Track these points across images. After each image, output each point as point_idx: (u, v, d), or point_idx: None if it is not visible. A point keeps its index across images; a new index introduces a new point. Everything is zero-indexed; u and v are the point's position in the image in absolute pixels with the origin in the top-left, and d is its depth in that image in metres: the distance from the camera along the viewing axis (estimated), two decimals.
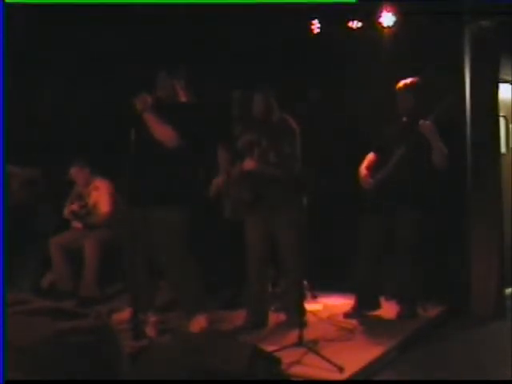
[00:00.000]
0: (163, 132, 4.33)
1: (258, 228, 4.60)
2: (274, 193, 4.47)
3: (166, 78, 4.48)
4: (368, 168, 4.84)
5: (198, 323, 4.48)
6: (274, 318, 4.72)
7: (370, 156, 4.90)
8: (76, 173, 5.80)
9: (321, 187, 4.71)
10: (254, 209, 4.56)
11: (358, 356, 3.98)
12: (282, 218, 4.50)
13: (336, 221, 5.29)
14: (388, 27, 5.03)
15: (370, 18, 5.08)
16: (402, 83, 4.70)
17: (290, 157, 4.46)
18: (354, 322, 4.71)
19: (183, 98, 4.54)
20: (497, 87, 5.09)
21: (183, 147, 4.38)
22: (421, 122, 4.49)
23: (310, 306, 4.94)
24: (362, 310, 4.86)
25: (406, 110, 4.73)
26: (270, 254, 4.64)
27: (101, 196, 5.75)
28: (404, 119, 4.77)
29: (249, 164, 4.49)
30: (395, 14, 4.97)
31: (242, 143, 4.58)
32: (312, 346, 3.99)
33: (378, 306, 4.93)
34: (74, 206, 5.79)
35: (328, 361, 3.77)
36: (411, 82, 4.68)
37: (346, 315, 4.83)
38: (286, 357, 3.76)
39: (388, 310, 4.93)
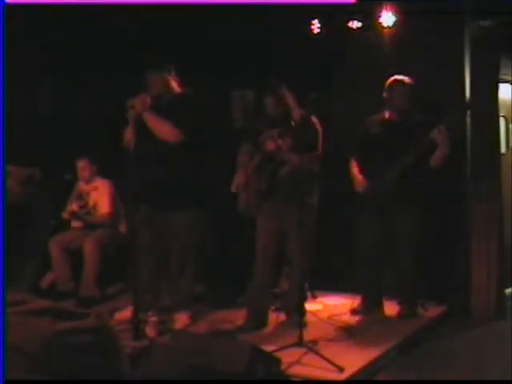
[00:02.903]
0: (165, 129, 4.34)
1: (268, 226, 4.58)
2: (289, 188, 4.43)
3: (156, 74, 4.48)
4: (361, 171, 4.84)
5: (182, 321, 4.55)
6: (274, 318, 4.72)
7: (362, 157, 4.89)
8: (83, 166, 5.77)
9: (322, 186, 4.71)
10: (268, 202, 4.53)
11: (358, 356, 3.98)
12: (294, 218, 4.37)
13: (336, 221, 5.28)
14: (388, 27, 5.02)
15: (370, 18, 5.08)
16: (394, 79, 4.72)
17: (311, 155, 4.45)
18: (354, 321, 4.72)
19: (177, 90, 4.54)
20: (497, 87, 5.09)
21: (186, 144, 4.38)
22: (436, 129, 4.47)
23: (309, 306, 4.93)
24: (369, 307, 4.87)
25: (396, 107, 4.73)
26: (277, 253, 4.64)
27: (101, 196, 5.74)
28: (387, 116, 4.76)
29: (270, 144, 4.45)
30: (395, 13, 4.97)
31: (263, 137, 4.54)
32: (312, 346, 3.99)
33: (381, 306, 4.93)
34: (74, 206, 5.78)
35: (328, 361, 3.77)
36: (403, 80, 4.70)
37: (353, 312, 4.86)
38: (286, 357, 3.76)
39: (389, 309, 4.93)
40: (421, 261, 4.80)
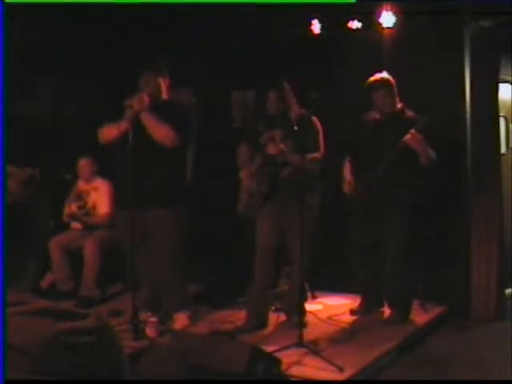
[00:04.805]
0: (162, 132, 4.34)
1: (269, 226, 4.57)
2: (290, 189, 4.42)
3: (151, 75, 4.49)
4: (351, 172, 4.82)
5: (181, 321, 4.54)
6: (274, 318, 4.71)
7: (353, 157, 4.88)
8: (84, 165, 5.77)
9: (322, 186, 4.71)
10: (268, 202, 4.53)
11: (358, 356, 3.98)
12: (294, 218, 4.32)
13: (336, 221, 5.28)
14: (388, 27, 5.02)
15: (370, 18, 5.08)
16: (376, 79, 4.69)
17: (312, 156, 4.44)
18: (353, 322, 4.72)
19: (167, 96, 4.56)
20: (497, 87, 5.09)
21: (181, 146, 4.39)
22: (408, 134, 4.46)
23: (310, 306, 4.94)
24: (369, 308, 4.87)
25: (381, 108, 4.71)
26: (277, 253, 4.63)
27: (100, 197, 5.73)
28: (377, 116, 4.75)
29: (272, 148, 4.45)
30: (395, 13, 4.97)
31: (264, 138, 4.54)
32: (312, 347, 3.99)
33: (380, 307, 4.93)
34: (73, 207, 5.77)
35: (328, 361, 3.77)
36: (385, 78, 4.66)
37: (353, 312, 4.85)
38: (286, 357, 3.76)
39: (387, 310, 4.93)
40: (408, 263, 4.74)
